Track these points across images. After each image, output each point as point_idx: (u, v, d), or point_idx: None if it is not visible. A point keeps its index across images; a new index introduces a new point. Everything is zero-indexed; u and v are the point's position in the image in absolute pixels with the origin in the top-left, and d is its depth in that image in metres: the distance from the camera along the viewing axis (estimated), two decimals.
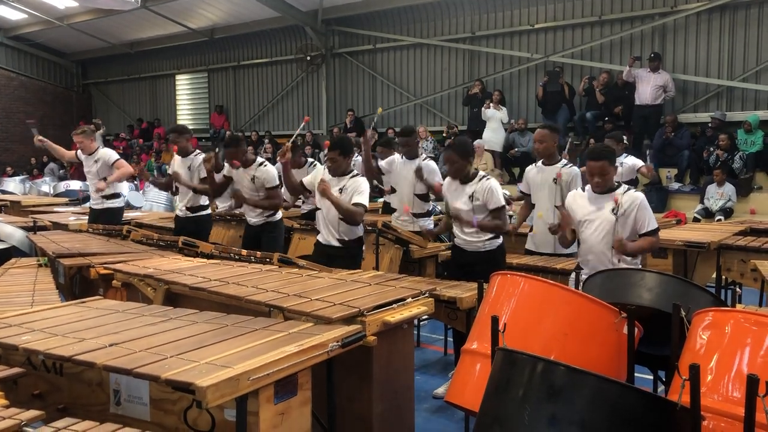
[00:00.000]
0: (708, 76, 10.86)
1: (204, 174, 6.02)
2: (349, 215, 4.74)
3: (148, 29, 16.96)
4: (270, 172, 5.70)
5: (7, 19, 17.66)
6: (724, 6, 10.56)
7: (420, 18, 13.72)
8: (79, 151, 7.04)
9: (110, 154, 6.91)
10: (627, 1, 11.49)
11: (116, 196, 7.05)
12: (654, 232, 3.96)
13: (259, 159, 5.81)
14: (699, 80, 10.94)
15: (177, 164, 6.33)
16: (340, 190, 4.79)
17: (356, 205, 4.76)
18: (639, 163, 7.04)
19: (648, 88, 10.57)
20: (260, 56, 16.59)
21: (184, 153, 6.28)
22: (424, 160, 5.91)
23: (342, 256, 4.80)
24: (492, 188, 4.46)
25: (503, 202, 4.54)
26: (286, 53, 15.89)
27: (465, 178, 4.54)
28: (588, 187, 4.11)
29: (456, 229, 4.71)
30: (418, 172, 5.69)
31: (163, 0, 14.64)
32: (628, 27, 11.53)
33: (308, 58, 15.12)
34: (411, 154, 5.95)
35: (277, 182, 5.76)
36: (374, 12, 13.94)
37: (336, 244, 4.84)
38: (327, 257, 4.80)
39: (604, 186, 4.00)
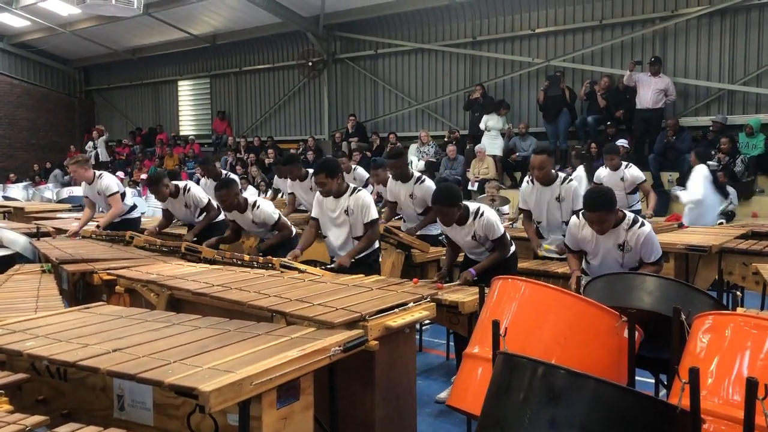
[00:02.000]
0: (709, 80, 10.87)
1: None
2: (369, 245, 4.81)
3: (150, 35, 17.02)
4: (265, 211, 5.56)
5: (10, 26, 17.73)
6: (724, 10, 10.58)
7: (421, 23, 13.75)
8: (83, 188, 7.00)
9: (108, 185, 6.76)
10: (628, 6, 11.51)
11: (132, 208, 7.07)
12: (657, 262, 3.96)
13: (250, 200, 5.63)
14: (700, 84, 10.95)
15: (173, 207, 6.51)
16: (345, 212, 4.78)
17: (369, 224, 4.77)
18: (641, 177, 7.00)
19: (649, 92, 10.58)
20: (262, 62, 16.63)
21: (174, 195, 6.41)
22: (416, 183, 5.84)
23: (357, 266, 4.77)
24: (490, 222, 4.41)
25: (502, 231, 4.50)
26: (288, 59, 15.94)
27: (459, 220, 4.45)
28: None
29: (467, 252, 4.74)
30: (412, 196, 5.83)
31: (165, 6, 14.70)
32: (628, 31, 11.55)
33: (310, 63, 15.16)
34: (402, 177, 5.91)
35: (276, 217, 5.63)
36: (375, 17, 13.97)
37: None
38: (344, 270, 4.72)
39: (605, 231, 3.94)
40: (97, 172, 6.91)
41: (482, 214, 4.41)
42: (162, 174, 6.66)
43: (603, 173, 7.10)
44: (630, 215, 4.03)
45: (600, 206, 3.83)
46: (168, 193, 6.35)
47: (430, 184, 5.82)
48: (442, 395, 4.47)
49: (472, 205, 4.52)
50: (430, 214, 5.84)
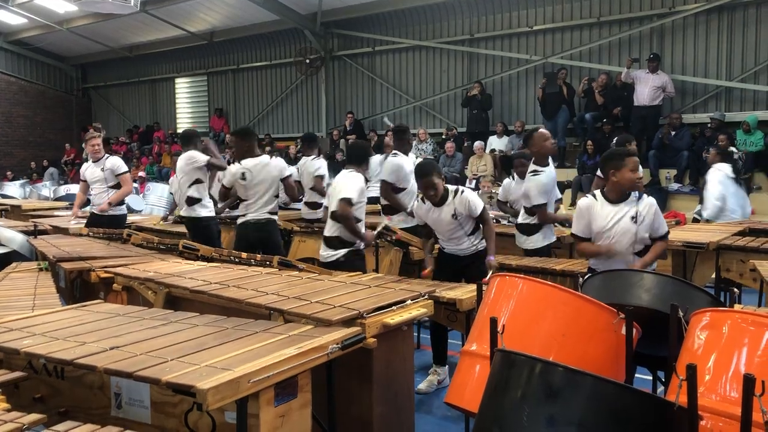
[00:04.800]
0: (707, 77, 10.88)
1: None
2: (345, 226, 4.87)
3: (147, 33, 16.99)
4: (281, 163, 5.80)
5: (7, 23, 17.70)
6: (722, 7, 10.58)
7: (419, 20, 13.74)
8: (84, 168, 7.02)
9: (118, 164, 6.90)
10: (625, 3, 11.50)
11: (120, 203, 7.05)
12: (665, 236, 4.03)
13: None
14: (698, 81, 10.96)
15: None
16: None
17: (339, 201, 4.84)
18: None
19: (646, 89, 10.58)
20: (259, 59, 16.61)
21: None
22: (388, 157, 6.09)
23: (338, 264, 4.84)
24: (469, 199, 4.53)
25: (482, 203, 4.62)
26: (286, 56, 15.92)
27: (438, 201, 4.54)
28: (599, 194, 4.07)
29: (444, 242, 4.77)
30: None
31: (162, 4, 14.67)
32: (626, 28, 11.54)
33: (307, 60, 15.14)
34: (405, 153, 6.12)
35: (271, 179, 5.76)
36: (373, 15, 13.96)
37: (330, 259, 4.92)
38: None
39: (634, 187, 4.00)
40: (105, 154, 6.99)
41: (462, 192, 4.56)
42: (195, 133, 6.80)
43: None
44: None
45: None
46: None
47: (398, 161, 6.02)
48: (422, 387, 4.49)
49: (450, 186, 4.65)
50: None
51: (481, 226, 4.64)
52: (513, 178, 6.11)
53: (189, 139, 6.55)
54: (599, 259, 4.06)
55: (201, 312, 3.18)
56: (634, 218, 3.94)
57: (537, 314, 2.81)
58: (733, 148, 9.26)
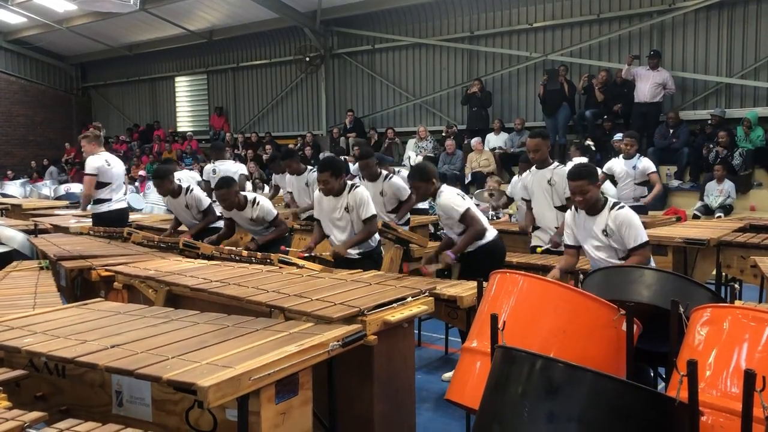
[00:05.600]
0: (707, 74, 10.87)
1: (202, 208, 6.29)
2: (366, 237, 4.85)
3: (146, 32, 16.98)
4: (265, 207, 5.64)
5: (7, 23, 17.69)
6: (722, 3, 10.57)
7: (418, 18, 13.73)
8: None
9: (87, 163, 6.78)
10: (625, 0, 11.50)
11: (105, 200, 6.86)
12: (641, 246, 3.93)
13: (249, 197, 5.69)
14: (698, 77, 10.95)
15: (172, 205, 6.42)
16: (345, 209, 4.81)
17: (366, 221, 4.80)
18: (651, 168, 7.22)
19: (647, 85, 10.58)
20: (259, 58, 16.60)
21: (175, 194, 6.27)
22: (385, 179, 6.00)
23: (363, 259, 4.87)
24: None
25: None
26: (285, 54, 15.91)
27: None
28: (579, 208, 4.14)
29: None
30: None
31: (161, 2, 14.66)
32: (626, 25, 11.53)
33: (307, 59, 15.13)
34: (371, 177, 6.05)
35: (275, 213, 5.72)
36: (373, 12, 13.95)
37: (355, 256, 4.90)
38: (348, 263, 4.84)
39: (585, 204, 4.02)
40: (95, 153, 6.85)
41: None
42: (170, 170, 6.55)
43: (615, 163, 7.38)
44: (611, 200, 4.11)
45: (581, 175, 3.98)
46: (169, 190, 6.19)
47: (400, 181, 6.05)
48: (447, 375, 4.51)
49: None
50: (405, 206, 6.04)
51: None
52: (519, 176, 6.26)
53: (165, 174, 6.26)
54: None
55: (202, 310, 3.18)
56: (605, 231, 4.00)
57: (538, 311, 2.81)
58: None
